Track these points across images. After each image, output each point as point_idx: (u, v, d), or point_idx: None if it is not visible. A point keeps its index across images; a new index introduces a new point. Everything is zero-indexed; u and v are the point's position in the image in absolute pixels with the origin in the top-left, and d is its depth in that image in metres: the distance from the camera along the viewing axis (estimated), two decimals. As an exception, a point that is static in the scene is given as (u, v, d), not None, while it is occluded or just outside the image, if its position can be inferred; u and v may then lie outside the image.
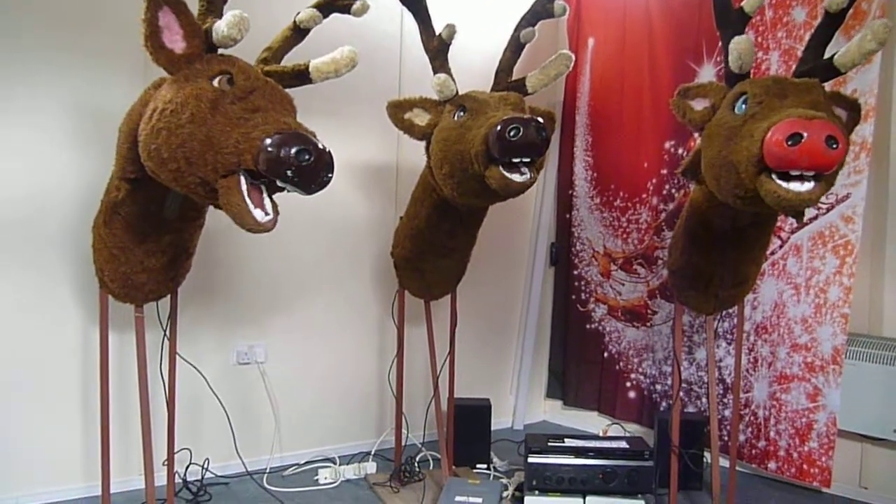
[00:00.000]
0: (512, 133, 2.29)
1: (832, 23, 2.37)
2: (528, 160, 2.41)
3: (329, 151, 1.92)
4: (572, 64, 2.82)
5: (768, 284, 3.44)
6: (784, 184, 2.00)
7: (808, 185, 2.01)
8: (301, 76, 2.20)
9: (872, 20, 2.15)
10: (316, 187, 1.92)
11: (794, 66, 2.52)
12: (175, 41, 2.07)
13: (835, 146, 1.91)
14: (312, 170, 1.85)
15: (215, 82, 2.01)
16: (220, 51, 2.12)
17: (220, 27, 2.04)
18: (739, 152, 2.11)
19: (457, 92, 2.72)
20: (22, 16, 2.82)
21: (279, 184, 1.91)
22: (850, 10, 2.27)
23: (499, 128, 2.31)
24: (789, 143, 1.90)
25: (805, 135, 1.89)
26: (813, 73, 2.31)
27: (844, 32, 3.05)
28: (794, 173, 1.99)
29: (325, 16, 2.38)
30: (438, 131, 2.68)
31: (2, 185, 2.82)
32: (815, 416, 3.26)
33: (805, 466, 3.28)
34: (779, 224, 3.29)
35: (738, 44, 2.30)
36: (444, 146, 2.62)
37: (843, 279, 3.17)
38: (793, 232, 3.35)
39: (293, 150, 1.81)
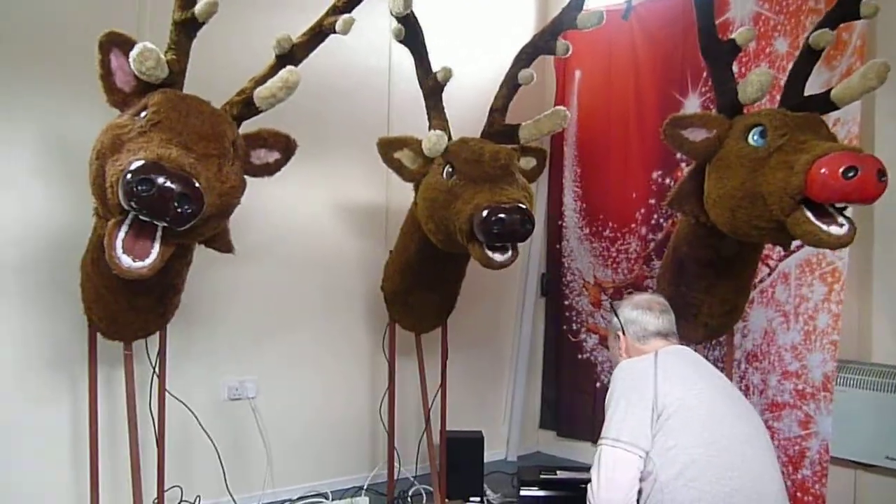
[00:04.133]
0: (496, 227, 2.32)
1: (813, 55, 2.42)
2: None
3: (185, 181, 1.78)
4: (567, 122, 2.79)
5: (757, 312, 3.45)
6: (825, 227, 2.06)
7: (844, 229, 2.07)
8: (249, 104, 2.20)
9: (874, 61, 2.21)
10: (172, 221, 1.80)
11: (777, 97, 2.56)
12: (128, 82, 2.09)
13: (883, 179, 1.97)
14: (157, 200, 1.74)
15: (139, 116, 2.00)
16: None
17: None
18: (772, 183, 2.12)
19: (450, 137, 2.71)
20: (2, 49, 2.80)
21: (143, 217, 1.81)
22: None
23: (484, 214, 2.34)
24: (848, 175, 1.93)
25: (860, 168, 1.92)
26: (808, 106, 2.34)
27: (826, 62, 3.09)
28: (834, 210, 2.09)
29: (316, 45, 2.33)
30: (426, 188, 2.67)
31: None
32: (808, 443, 3.25)
33: (799, 494, 3.27)
34: (766, 252, 3.31)
35: (762, 76, 2.34)
36: (432, 206, 2.63)
37: (831, 306, 3.18)
38: (780, 260, 3.37)
39: (135, 181, 1.72)
